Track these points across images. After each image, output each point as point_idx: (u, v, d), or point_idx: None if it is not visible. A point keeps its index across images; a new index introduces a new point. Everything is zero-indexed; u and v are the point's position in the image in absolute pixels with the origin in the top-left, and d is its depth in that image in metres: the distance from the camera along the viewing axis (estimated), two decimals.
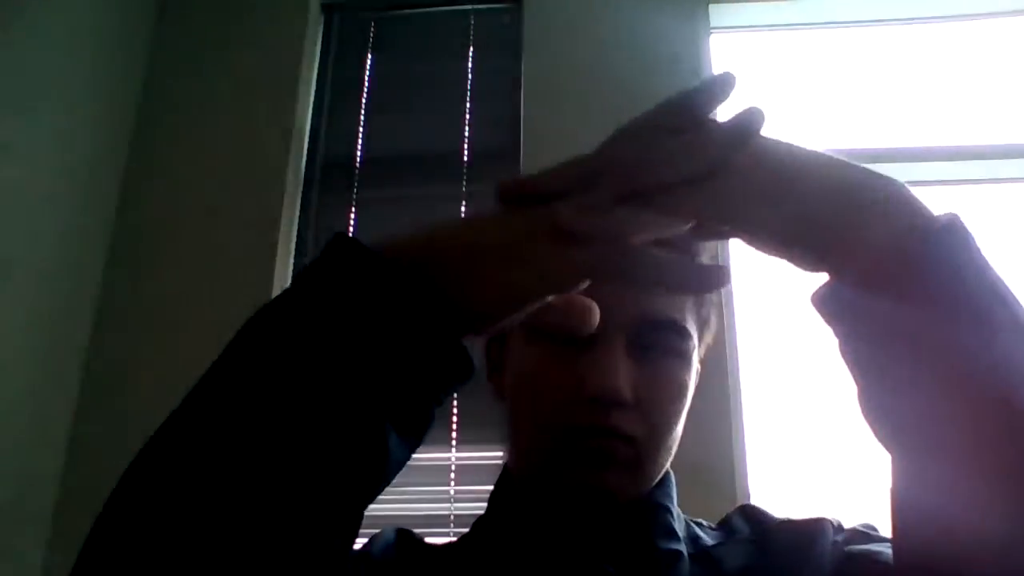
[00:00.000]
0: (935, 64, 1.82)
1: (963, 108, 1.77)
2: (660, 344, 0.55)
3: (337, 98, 1.85)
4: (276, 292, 1.58)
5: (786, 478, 1.50)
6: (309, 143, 1.79)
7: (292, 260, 1.68)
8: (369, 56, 1.88)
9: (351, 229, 1.73)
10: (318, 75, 1.85)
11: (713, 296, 0.62)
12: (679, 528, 0.58)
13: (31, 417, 1.45)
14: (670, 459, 0.58)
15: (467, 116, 1.79)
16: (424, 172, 1.78)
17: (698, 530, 0.61)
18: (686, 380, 0.57)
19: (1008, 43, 1.82)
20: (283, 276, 1.64)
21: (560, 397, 0.54)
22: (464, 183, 1.74)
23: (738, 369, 1.52)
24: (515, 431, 0.59)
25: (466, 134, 1.78)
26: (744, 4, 1.82)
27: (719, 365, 1.46)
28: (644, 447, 0.54)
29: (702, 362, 0.62)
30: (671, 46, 1.74)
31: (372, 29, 1.91)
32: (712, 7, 1.79)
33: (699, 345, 0.60)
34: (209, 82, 1.80)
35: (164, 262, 1.64)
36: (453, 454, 1.54)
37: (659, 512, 0.58)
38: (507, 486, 0.62)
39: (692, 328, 0.57)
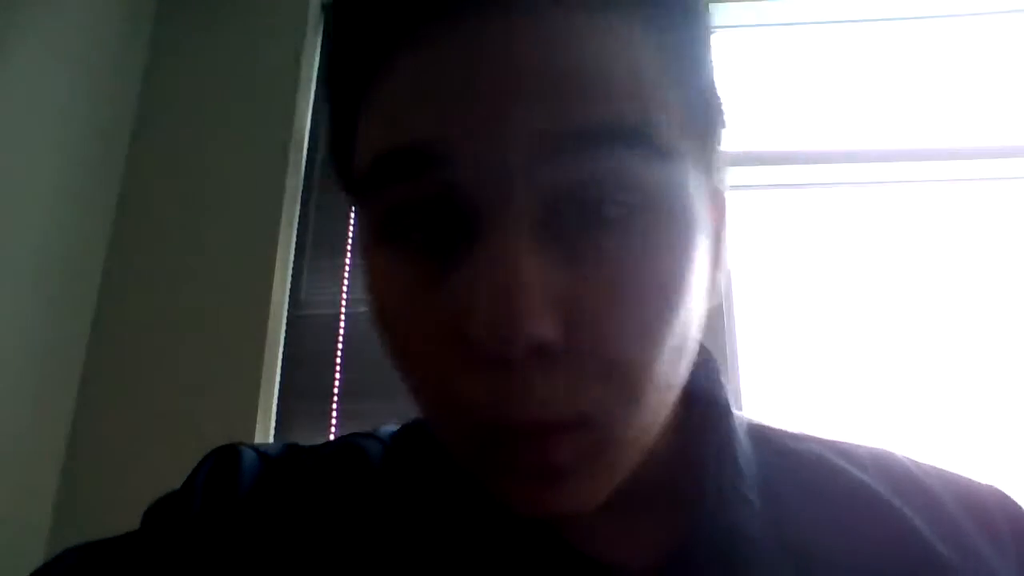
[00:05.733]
0: (934, 63, 1.82)
1: (962, 107, 1.76)
2: (603, 195, 0.27)
3: None
4: (275, 293, 1.59)
5: None
6: (309, 144, 1.79)
7: (292, 261, 1.68)
8: None
9: (351, 229, 1.72)
10: (318, 75, 1.85)
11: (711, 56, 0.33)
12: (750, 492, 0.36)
13: (29, 420, 1.45)
14: (675, 394, 0.32)
15: None
16: None
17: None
18: (677, 250, 0.29)
19: (1008, 43, 1.81)
20: (283, 277, 1.64)
21: (435, 352, 0.29)
22: None
23: (737, 361, 1.52)
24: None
25: None
26: (743, 3, 1.82)
27: (715, 341, 1.45)
28: (612, 421, 0.28)
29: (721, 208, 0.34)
30: None
31: None
32: (711, 6, 1.78)
33: (697, 167, 0.31)
34: (208, 82, 1.80)
35: (163, 263, 1.64)
36: None
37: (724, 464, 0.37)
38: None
39: (670, 131, 0.29)
